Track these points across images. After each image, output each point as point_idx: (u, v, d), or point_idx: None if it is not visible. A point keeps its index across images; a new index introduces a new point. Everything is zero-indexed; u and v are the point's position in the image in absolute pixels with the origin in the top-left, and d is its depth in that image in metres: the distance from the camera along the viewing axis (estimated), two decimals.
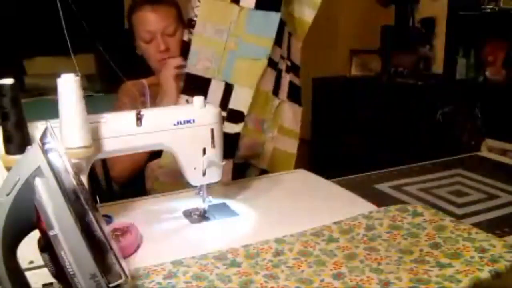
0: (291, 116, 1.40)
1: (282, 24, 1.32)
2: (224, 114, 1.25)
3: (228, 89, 1.27)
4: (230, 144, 1.25)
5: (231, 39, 1.26)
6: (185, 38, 1.31)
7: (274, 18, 1.26)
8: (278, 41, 1.32)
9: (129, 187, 1.43)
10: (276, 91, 1.36)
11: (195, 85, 1.25)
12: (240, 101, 1.27)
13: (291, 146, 1.41)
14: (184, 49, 1.30)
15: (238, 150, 1.30)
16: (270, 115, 1.37)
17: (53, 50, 1.87)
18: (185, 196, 1.10)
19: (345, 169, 1.36)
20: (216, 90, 1.27)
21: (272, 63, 1.31)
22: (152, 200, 1.12)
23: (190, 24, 1.29)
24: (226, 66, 1.26)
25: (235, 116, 1.27)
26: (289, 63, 1.40)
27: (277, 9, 1.26)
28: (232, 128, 1.27)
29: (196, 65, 1.27)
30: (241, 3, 1.25)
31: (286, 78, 1.39)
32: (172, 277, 0.74)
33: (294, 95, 1.41)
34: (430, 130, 2.91)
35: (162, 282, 0.73)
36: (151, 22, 1.40)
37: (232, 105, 1.26)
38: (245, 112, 1.27)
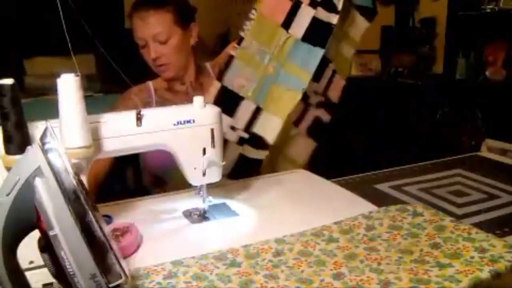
0: (300, 149, 1.40)
1: (326, 61, 1.32)
2: (246, 136, 1.24)
3: (256, 113, 1.25)
4: (250, 168, 1.24)
5: (270, 64, 1.24)
6: (232, 53, 1.27)
7: (317, 53, 1.24)
8: (316, 77, 1.30)
9: None
10: (297, 123, 1.37)
11: (226, 100, 1.22)
12: (266, 128, 1.25)
13: None
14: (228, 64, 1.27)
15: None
16: (280, 142, 1.36)
17: (53, 50, 1.87)
18: (185, 196, 1.10)
19: (345, 169, 1.36)
20: (245, 110, 1.25)
21: (303, 97, 1.30)
22: (152, 200, 1.12)
23: (239, 41, 1.26)
24: (260, 90, 1.24)
25: (257, 142, 1.25)
26: (322, 99, 1.39)
27: (322, 45, 1.24)
28: (255, 153, 1.25)
29: (233, 81, 1.25)
30: (290, 31, 1.23)
31: (313, 113, 1.39)
32: (172, 277, 0.74)
33: (314, 131, 1.41)
34: (430, 130, 2.91)
35: (162, 282, 0.73)
36: (140, 29, 1.37)
37: (256, 129, 1.24)
38: (270, 141, 1.24)
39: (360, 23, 1.40)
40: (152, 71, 1.45)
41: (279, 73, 1.24)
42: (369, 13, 1.40)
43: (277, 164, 1.39)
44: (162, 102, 1.42)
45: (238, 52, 1.25)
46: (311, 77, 1.26)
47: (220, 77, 1.26)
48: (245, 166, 1.23)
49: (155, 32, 1.36)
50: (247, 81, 1.24)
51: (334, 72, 1.40)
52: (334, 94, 1.43)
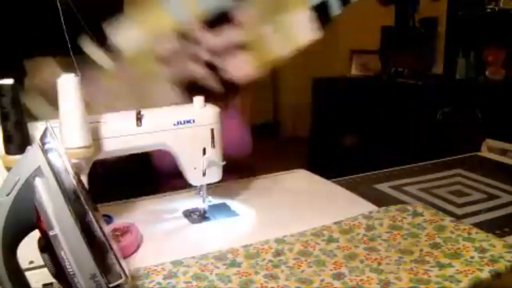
0: (162, 94, 1.22)
1: (226, 16, 1.19)
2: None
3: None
4: None
5: None
6: None
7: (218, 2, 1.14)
8: (211, 23, 1.18)
9: None
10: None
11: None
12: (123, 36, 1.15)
13: None
14: None
15: None
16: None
17: (53, 50, 1.87)
18: (185, 196, 1.10)
19: (345, 169, 1.36)
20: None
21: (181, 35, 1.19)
22: (152, 200, 1.12)
23: None
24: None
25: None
26: (209, 59, 1.22)
27: None
28: None
29: None
30: None
31: (188, 62, 1.22)
32: (172, 277, 0.74)
33: (186, 85, 1.23)
34: (430, 130, 2.91)
35: (162, 282, 0.73)
36: None
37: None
38: (121, 48, 1.14)
39: (305, 28, 1.25)
40: None
41: None
42: (324, 20, 1.26)
43: None
44: None
45: None
46: (196, 13, 1.14)
47: None
48: None
49: None
50: None
51: (244, 47, 1.22)
52: (237, 72, 1.24)
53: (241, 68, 1.26)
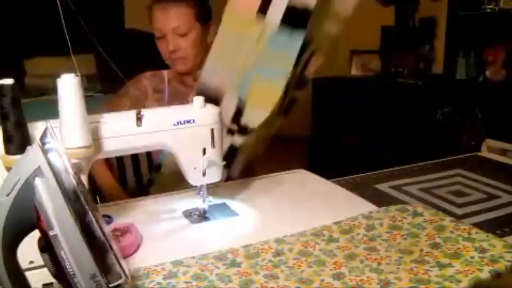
0: (269, 125, 1.34)
1: (305, 44, 1.26)
2: (236, 127, 1.22)
3: (240, 106, 1.21)
4: (236, 154, 1.23)
5: (249, 58, 1.19)
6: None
7: (298, 36, 1.19)
8: (296, 62, 1.25)
9: None
10: (280, 110, 1.32)
11: (207, 96, 1.21)
12: (252, 121, 1.22)
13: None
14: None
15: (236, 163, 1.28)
16: (269, 129, 1.33)
17: (53, 50, 1.87)
18: (185, 196, 1.10)
19: (345, 169, 1.36)
20: (229, 104, 1.21)
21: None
22: (152, 200, 1.12)
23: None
24: (242, 84, 1.20)
25: (247, 131, 1.23)
26: (296, 79, 1.34)
27: (303, 25, 1.18)
28: (242, 140, 1.23)
29: (212, 79, 1.21)
30: (267, 17, 1.16)
31: (289, 95, 1.34)
32: (172, 277, 0.74)
33: (287, 108, 1.37)
34: (430, 130, 2.91)
35: (162, 282, 0.73)
36: (161, 20, 1.38)
37: (244, 122, 1.21)
38: (255, 127, 1.22)
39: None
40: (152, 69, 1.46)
41: (260, 65, 1.19)
42: None
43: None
44: (175, 93, 1.44)
45: (210, 53, 1.20)
46: (294, 62, 1.20)
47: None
48: (232, 154, 1.22)
49: (175, 25, 1.36)
50: (226, 77, 1.20)
51: (313, 53, 1.33)
52: (310, 71, 1.37)
53: (314, 66, 1.36)
